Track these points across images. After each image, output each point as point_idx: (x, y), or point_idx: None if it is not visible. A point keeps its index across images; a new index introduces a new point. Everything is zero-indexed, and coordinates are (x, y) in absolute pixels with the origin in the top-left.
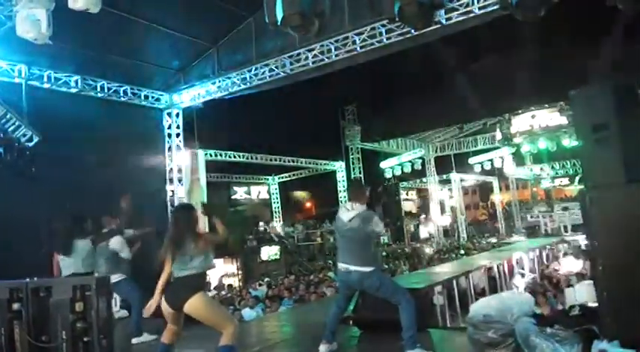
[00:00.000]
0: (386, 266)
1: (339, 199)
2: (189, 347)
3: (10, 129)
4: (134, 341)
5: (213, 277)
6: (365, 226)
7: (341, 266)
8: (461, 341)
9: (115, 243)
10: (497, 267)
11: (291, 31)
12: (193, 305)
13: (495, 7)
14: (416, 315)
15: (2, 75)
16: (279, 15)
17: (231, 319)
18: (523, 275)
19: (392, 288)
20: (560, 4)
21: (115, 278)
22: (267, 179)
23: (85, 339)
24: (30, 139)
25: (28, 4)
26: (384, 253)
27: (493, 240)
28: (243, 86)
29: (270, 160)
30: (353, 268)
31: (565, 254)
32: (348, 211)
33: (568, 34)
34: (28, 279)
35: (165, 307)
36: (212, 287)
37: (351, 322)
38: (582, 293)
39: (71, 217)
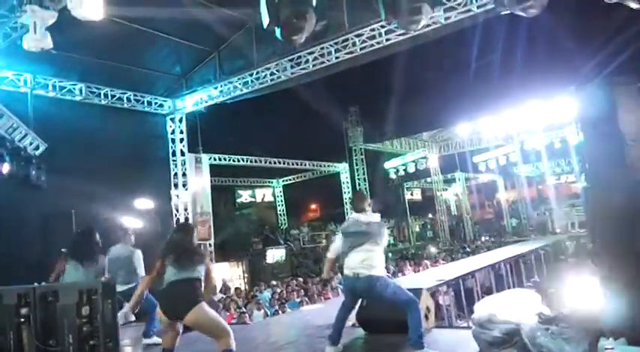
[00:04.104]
0: (392, 268)
1: (344, 201)
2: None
3: (17, 139)
4: (144, 341)
5: (218, 280)
6: (379, 233)
7: (349, 271)
8: (467, 340)
9: (138, 258)
10: (504, 266)
11: (279, 37)
12: (193, 317)
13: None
14: (421, 315)
15: (8, 85)
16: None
17: (227, 329)
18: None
19: (399, 290)
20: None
21: (128, 286)
22: (272, 182)
23: (92, 343)
24: (36, 148)
25: (31, 16)
26: (389, 254)
27: (500, 238)
28: (245, 90)
29: (274, 163)
30: (364, 273)
31: None
32: (366, 217)
33: (571, 30)
34: (35, 284)
35: (162, 317)
36: (217, 291)
37: (356, 323)
38: (581, 292)
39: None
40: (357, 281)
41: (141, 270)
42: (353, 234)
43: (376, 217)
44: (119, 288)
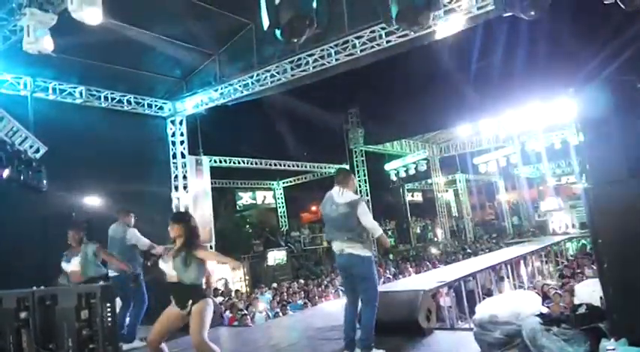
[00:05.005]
0: (393, 269)
1: None
2: None
3: (17, 142)
4: (125, 347)
5: (219, 282)
6: (353, 213)
7: (336, 250)
8: (469, 341)
9: (132, 235)
10: (505, 267)
11: (279, 39)
12: (200, 307)
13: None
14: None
15: (8, 88)
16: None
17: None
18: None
19: (373, 285)
20: (561, 2)
21: (118, 274)
22: (272, 184)
23: (91, 346)
24: (37, 151)
25: (30, 19)
26: (390, 255)
27: (500, 239)
28: (245, 92)
29: (275, 165)
30: (348, 250)
31: None
32: (339, 196)
33: (571, 31)
34: (34, 288)
35: (172, 309)
36: (220, 293)
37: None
38: (583, 293)
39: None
40: (342, 258)
41: (143, 243)
42: (329, 218)
43: (348, 197)
44: (110, 273)
